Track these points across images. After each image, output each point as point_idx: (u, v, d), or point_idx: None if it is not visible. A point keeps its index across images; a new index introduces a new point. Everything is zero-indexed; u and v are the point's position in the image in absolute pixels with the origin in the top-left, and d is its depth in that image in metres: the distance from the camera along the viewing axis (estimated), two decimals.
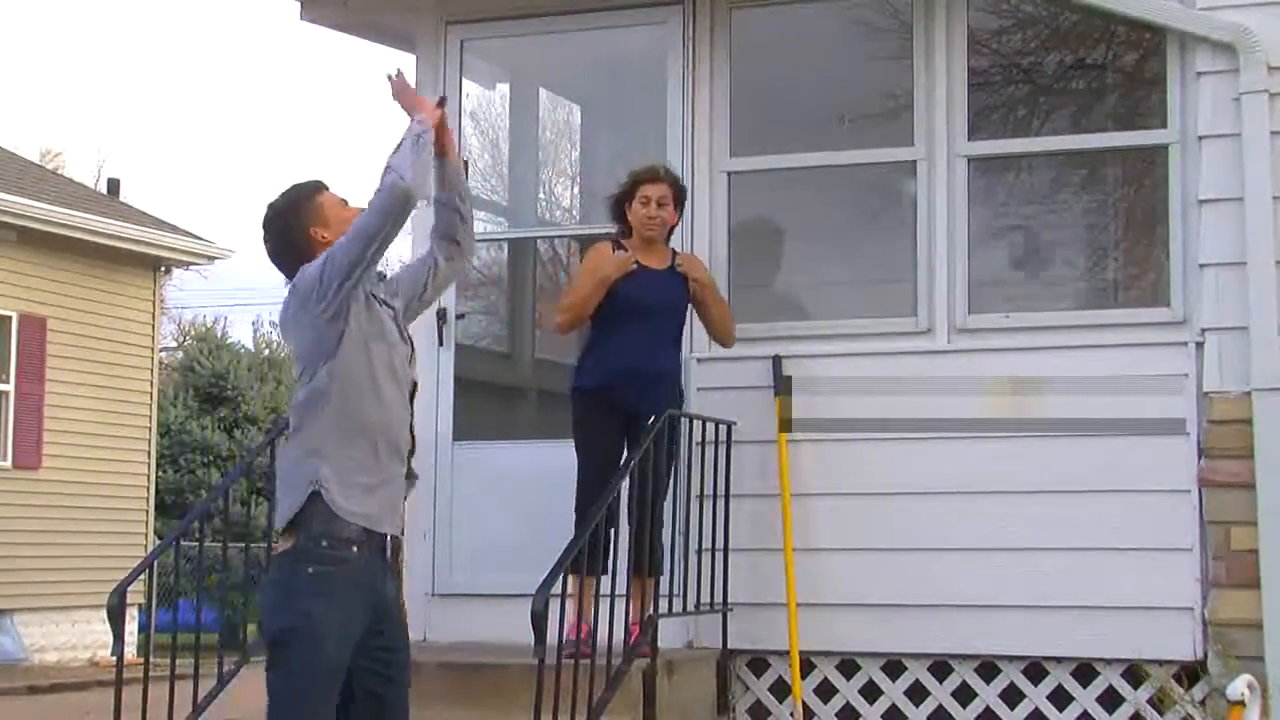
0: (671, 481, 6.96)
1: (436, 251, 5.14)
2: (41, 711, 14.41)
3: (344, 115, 69.68)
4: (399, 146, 4.81)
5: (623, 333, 7.01)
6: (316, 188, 5.00)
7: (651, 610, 6.72)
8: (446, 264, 5.15)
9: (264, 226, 4.96)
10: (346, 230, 4.76)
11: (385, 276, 5.03)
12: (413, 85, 5.16)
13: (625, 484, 6.67)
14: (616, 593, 6.45)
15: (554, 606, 5.81)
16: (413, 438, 4.87)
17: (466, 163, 4.96)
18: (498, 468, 7.77)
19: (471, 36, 8.10)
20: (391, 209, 4.69)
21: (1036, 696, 7.00)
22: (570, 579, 6.21)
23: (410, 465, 4.86)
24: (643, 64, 8.03)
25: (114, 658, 6.58)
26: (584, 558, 6.32)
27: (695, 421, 7.12)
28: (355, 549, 4.62)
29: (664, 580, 6.92)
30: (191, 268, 22.36)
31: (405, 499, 4.86)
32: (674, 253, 7.24)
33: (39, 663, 18.31)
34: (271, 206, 4.97)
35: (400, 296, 5.03)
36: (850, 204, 7.98)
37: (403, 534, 4.91)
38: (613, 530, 6.60)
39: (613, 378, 6.96)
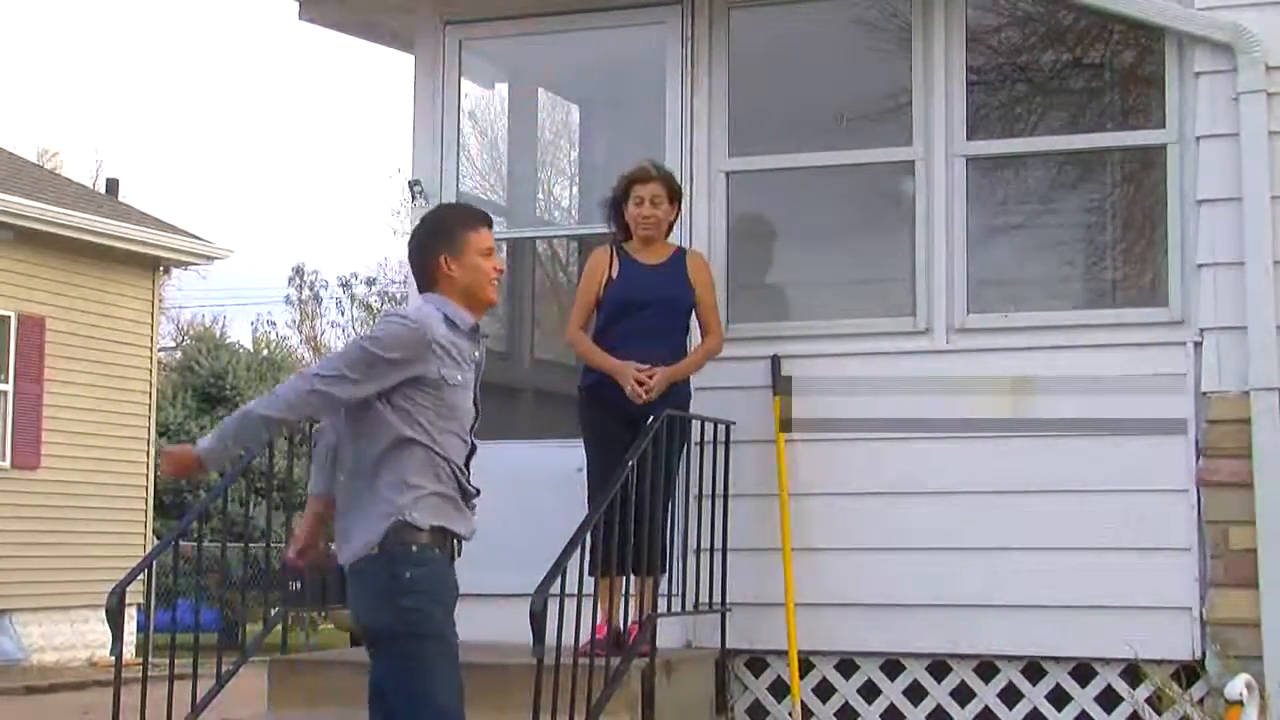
0: (675, 480, 6.96)
1: None
2: (40, 711, 14.42)
3: (342, 115, 69.73)
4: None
5: (616, 331, 7.01)
6: (474, 222, 5.14)
7: (650, 610, 6.73)
8: None
9: (419, 223, 5.22)
10: (473, 274, 5.02)
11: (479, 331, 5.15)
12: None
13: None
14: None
15: (553, 606, 5.81)
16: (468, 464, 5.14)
17: None
18: (496, 467, 7.73)
19: (470, 36, 8.11)
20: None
21: (1035, 696, 7.00)
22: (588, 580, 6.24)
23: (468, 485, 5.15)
24: (641, 64, 8.03)
25: (112, 658, 6.57)
26: (599, 558, 6.36)
27: (694, 421, 7.12)
28: (437, 550, 4.94)
29: (663, 580, 6.93)
30: (190, 267, 22.38)
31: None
32: (681, 249, 7.24)
33: (38, 663, 18.32)
34: (436, 210, 5.31)
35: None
36: (849, 204, 7.98)
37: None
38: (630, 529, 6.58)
39: (606, 375, 6.96)
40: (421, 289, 5.15)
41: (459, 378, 5.00)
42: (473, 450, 5.15)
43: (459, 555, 5.08)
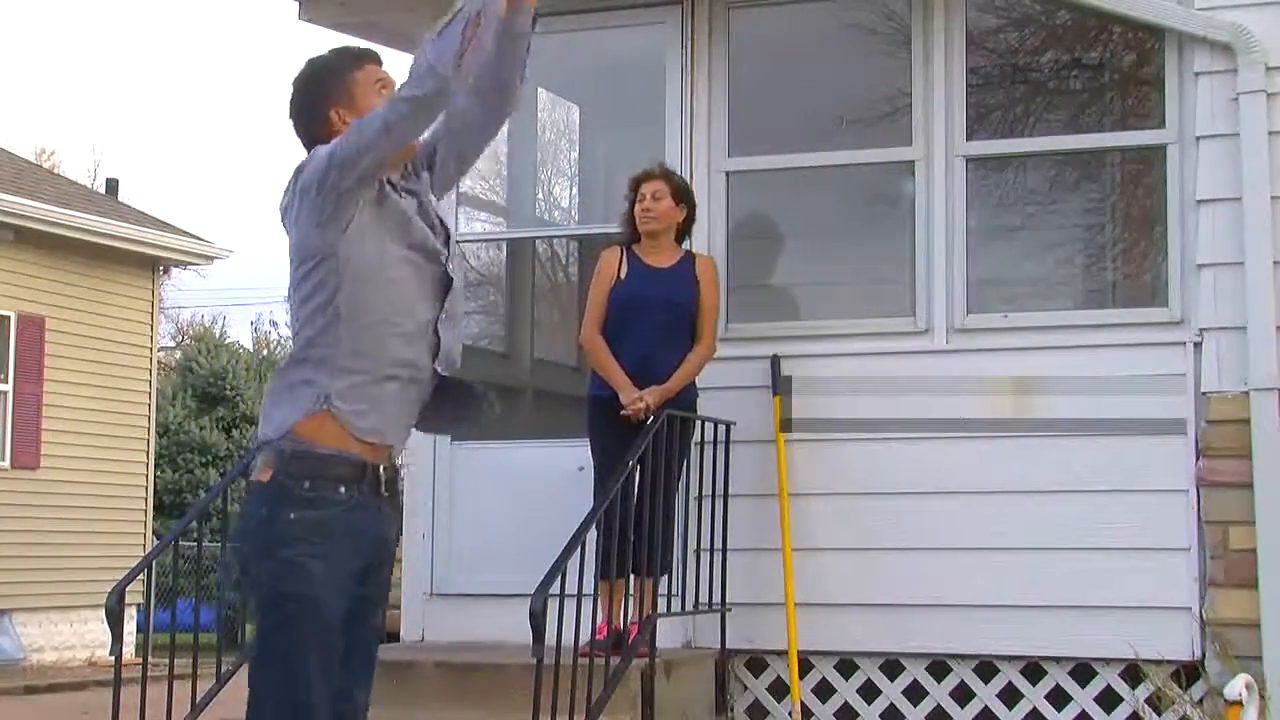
0: (679, 480, 6.95)
1: (475, 105, 4.26)
2: (39, 711, 14.40)
3: None
4: (446, 25, 3.86)
5: (623, 334, 6.99)
6: (358, 59, 4.22)
7: (650, 610, 6.73)
8: (487, 120, 4.35)
9: (292, 86, 4.28)
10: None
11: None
12: None
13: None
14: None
15: (553, 606, 5.81)
16: (438, 338, 4.05)
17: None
18: (496, 468, 7.77)
19: None
20: (419, 103, 3.84)
21: (1035, 696, 7.00)
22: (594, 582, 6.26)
23: (435, 367, 4.06)
24: (641, 64, 8.03)
25: (112, 658, 6.57)
26: (599, 561, 6.37)
27: (695, 421, 7.11)
28: (343, 489, 3.90)
29: (662, 580, 6.93)
30: (190, 267, 22.35)
31: (432, 401, 4.09)
32: (689, 253, 7.21)
33: (37, 663, 18.30)
34: (307, 65, 4.28)
35: (429, 172, 4.28)
36: (849, 204, 7.98)
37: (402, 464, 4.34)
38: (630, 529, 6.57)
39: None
40: None
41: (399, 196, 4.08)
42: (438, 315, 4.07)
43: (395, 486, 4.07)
